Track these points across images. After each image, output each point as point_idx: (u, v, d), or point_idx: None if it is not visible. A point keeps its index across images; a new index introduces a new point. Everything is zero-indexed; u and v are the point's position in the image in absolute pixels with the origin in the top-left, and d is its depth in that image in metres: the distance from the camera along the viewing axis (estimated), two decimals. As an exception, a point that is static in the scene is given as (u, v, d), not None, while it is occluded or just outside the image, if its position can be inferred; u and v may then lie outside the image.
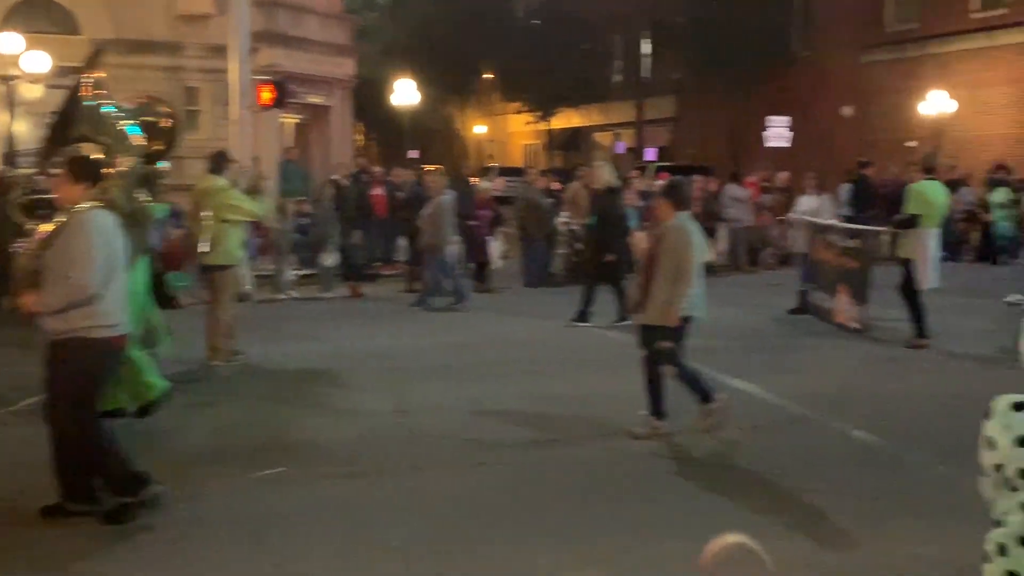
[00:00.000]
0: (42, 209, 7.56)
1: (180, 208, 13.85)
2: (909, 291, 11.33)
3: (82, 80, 8.22)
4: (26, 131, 21.01)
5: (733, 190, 19.98)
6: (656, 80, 42.02)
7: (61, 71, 19.23)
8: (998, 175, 21.46)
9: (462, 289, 14.97)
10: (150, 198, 8.42)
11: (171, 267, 13.76)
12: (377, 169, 20.84)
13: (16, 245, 8.39)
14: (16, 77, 21.97)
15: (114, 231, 6.05)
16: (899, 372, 10.30)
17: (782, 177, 20.68)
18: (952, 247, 20.20)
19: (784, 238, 18.26)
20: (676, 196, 8.00)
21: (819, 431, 8.14)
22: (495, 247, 17.86)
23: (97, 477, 6.06)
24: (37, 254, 5.99)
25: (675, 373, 7.88)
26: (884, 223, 13.46)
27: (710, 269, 18.46)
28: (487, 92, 50.12)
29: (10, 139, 20.97)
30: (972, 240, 21.57)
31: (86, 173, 6.09)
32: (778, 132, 28.56)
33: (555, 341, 12.17)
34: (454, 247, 14.92)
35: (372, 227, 18.20)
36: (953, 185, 21.07)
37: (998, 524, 3.04)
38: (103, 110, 8.15)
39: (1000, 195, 20.66)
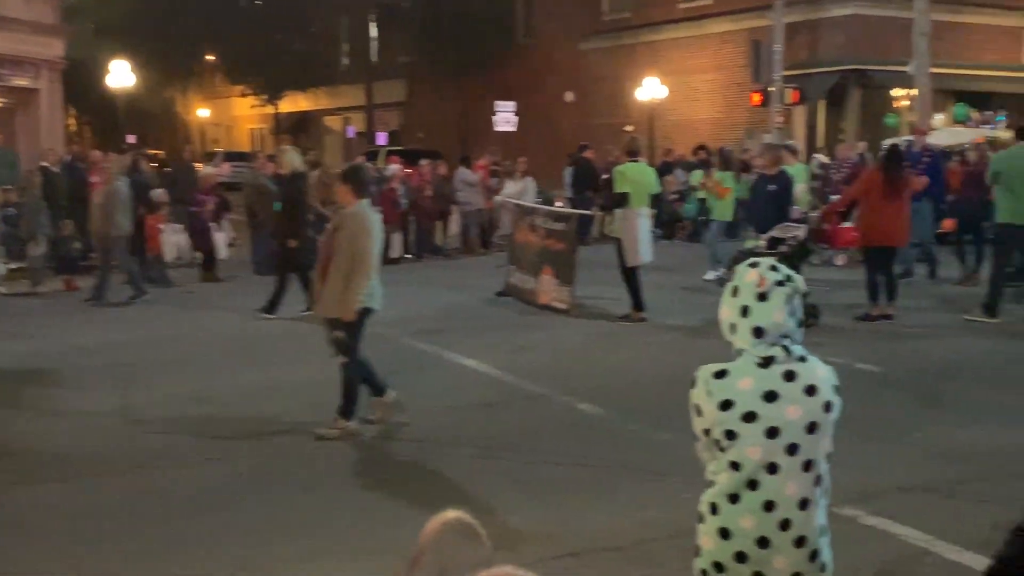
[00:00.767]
0: None
1: None
2: (622, 268, 11.83)
3: None
4: None
5: (464, 174, 20.25)
6: (385, 64, 41.97)
7: None
8: (697, 157, 22.61)
9: (138, 281, 14.23)
10: None
11: None
12: (97, 153, 19.65)
13: None
14: None
15: None
16: (617, 346, 10.75)
17: (521, 163, 21.14)
18: (666, 226, 21.32)
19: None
20: (356, 181, 7.56)
21: (547, 406, 8.39)
22: (222, 235, 17.28)
23: None
24: None
25: (345, 364, 7.51)
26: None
27: (440, 251, 19.02)
28: (210, 75, 48.44)
29: None
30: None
31: None
32: (506, 117, 29.17)
33: (236, 334, 11.78)
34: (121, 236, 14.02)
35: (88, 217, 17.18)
36: (667, 167, 22.26)
37: (711, 484, 3.22)
38: None
39: (696, 177, 21.60)
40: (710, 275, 14.73)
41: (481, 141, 30.43)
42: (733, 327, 3.17)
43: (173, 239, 17.47)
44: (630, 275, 11.82)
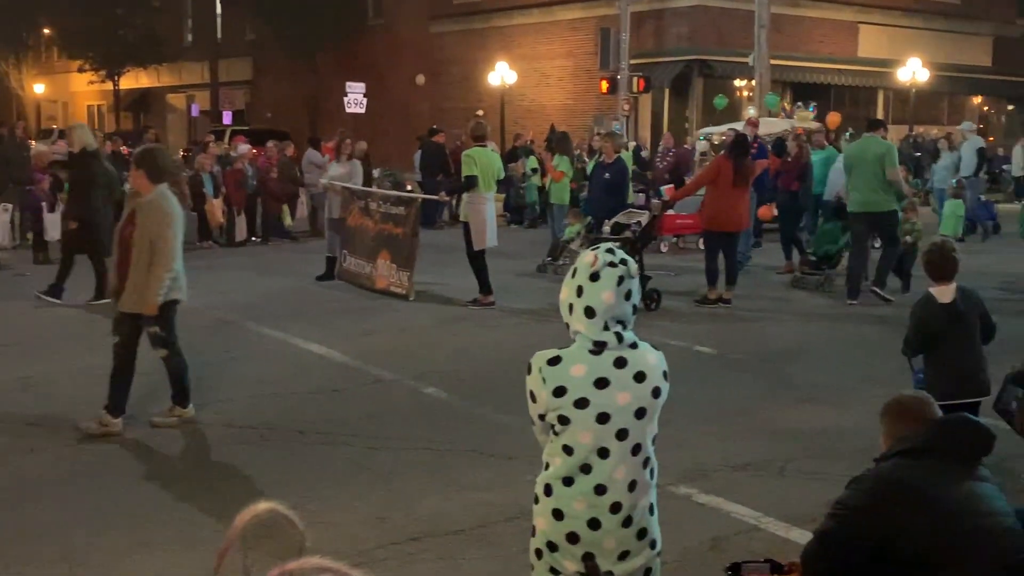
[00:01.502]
0: None
1: None
2: (468, 252, 11.83)
3: None
4: None
5: (312, 156, 19.90)
6: (231, 41, 40.92)
7: None
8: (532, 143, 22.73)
9: None
10: None
11: None
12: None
13: None
14: None
15: None
16: (464, 330, 10.76)
17: (360, 147, 20.86)
18: (517, 211, 21.47)
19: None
20: (151, 166, 7.02)
21: (393, 391, 8.35)
22: (54, 215, 16.55)
23: None
24: None
25: (166, 357, 7.21)
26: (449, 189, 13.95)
27: (288, 234, 18.67)
28: (46, 48, 46.31)
29: None
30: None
31: None
32: (356, 98, 28.85)
33: (65, 316, 11.35)
34: None
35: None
36: (518, 152, 22.39)
37: (547, 467, 3.26)
38: None
39: (532, 163, 21.63)
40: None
41: (331, 122, 30.01)
42: (570, 308, 3.23)
43: (3, 218, 16.67)
44: (477, 259, 11.85)
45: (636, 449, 3.18)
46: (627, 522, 3.18)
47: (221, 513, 5.53)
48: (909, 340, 6.14)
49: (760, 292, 12.93)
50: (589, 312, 3.18)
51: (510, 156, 21.82)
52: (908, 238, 12.82)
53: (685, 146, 21.19)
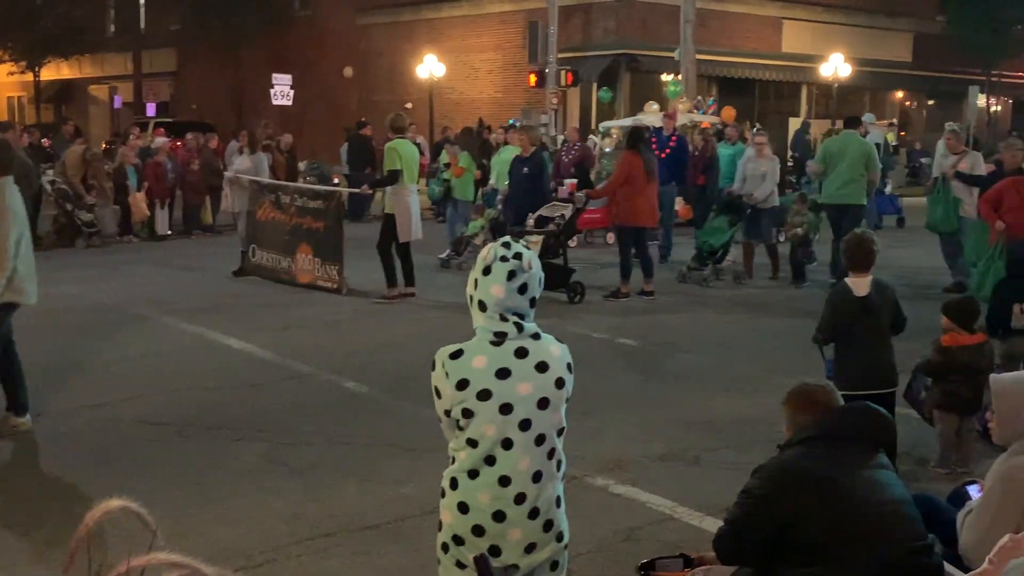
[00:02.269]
0: None
1: None
2: (384, 246, 11.69)
3: None
4: None
5: (237, 148, 19.64)
6: (154, 32, 40.20)
7: None
8: (482, 136, 22.73)
9: None
10: None
11: None
12: None
13: None
14: None
15: None
16: (385, 324, 10.70)
17: (286, 140, 20.67)
18: (443, 204, 21.31)
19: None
20: None
21: (312, 385, 8.28)
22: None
23: None
24: None
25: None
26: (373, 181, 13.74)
27: (210, 228, 18.41)
28: (-38, 37, 45.04)
29: None
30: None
31: None
32: (283, 90, 28.52)
33: None
34: None
35: None
36: (441, 145, 22.29)
37: (453, 461, 3.25)
38: None
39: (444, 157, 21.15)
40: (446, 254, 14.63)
41: (258, 114, 29.66)
42: (471, 299, 3.24)
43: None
44: (402, 251, 11.79)
45: (540, 440, 3.18)
46: (533, 514, 3.19)
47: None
48: (822, 327, 6.23)
49: (681, 285, 13.03)
50: (482, 305, 3.19)
51: (438, 149, 21.74)
52: (799, 230, 13.00)
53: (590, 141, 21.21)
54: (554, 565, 3.30)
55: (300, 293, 12.26)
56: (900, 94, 35.55)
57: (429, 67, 30.27)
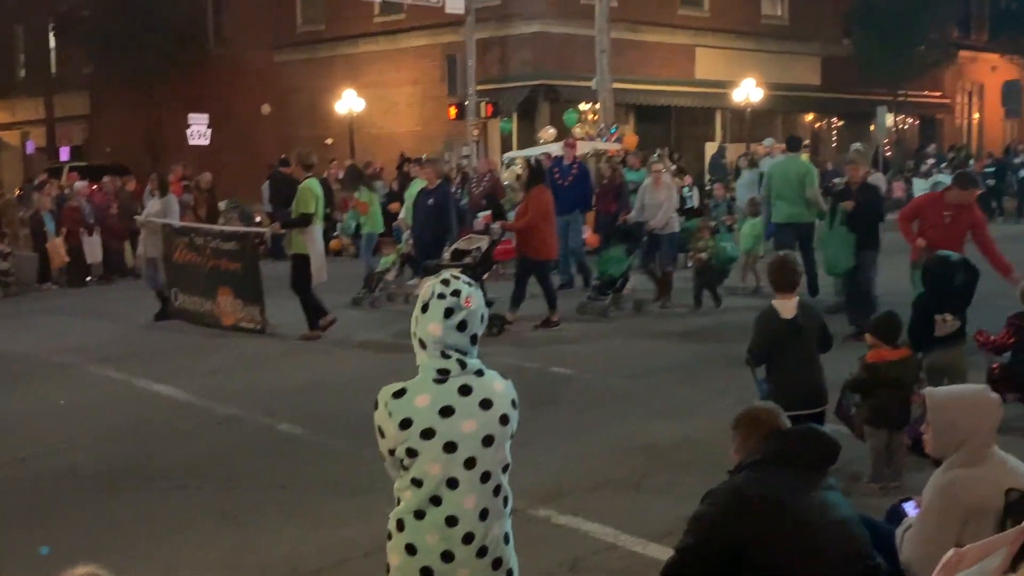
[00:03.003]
0: None
1: None
2: (302, 286, 11.50)
3: None
4: None
5: (155, 190, 19.36)
6: (66, 75, 39.50)
7: None
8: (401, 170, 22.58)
9: None
10: None
11: None
12: None
13: None
14: None
15: None
16: (313, 363, 10.57)
17: (204, 179, 20.42)
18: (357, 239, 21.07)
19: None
20: None
21: (245, 429, 8.15)
22: None
23: None
24: None
25: None
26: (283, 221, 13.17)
27: (131, 271, 18.05)
28: None
29: None
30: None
31: None
32: (199, 129, 28.21)
33: None
34: None
35: None
36: (370, 178, 22.24)
37: (398, 502, 3.22)
38: None
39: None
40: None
41: (174, 155, 29.26)
42: (413, 336, 3.22)
43: None
44: (306, 293, 11.51)
45: (485, 477, 3.17)
46: (481, 552, 3.17)
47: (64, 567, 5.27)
48: (753, 349, 6.33)
49: (610, 311, 13.07)
50: (421, 343, 3.18)
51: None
52: (703, 255, 13.09)
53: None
54: (504, 602, 3.28)
55: (224, 336, 12.05)
56: (811, 116, 36.35)
57: (348, 102, 30.19)
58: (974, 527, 3.50)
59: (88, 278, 17.69)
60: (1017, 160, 28.31)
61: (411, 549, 3.16)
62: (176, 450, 7.57)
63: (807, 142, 33.30)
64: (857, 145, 13.85)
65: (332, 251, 17.74)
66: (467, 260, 11.60)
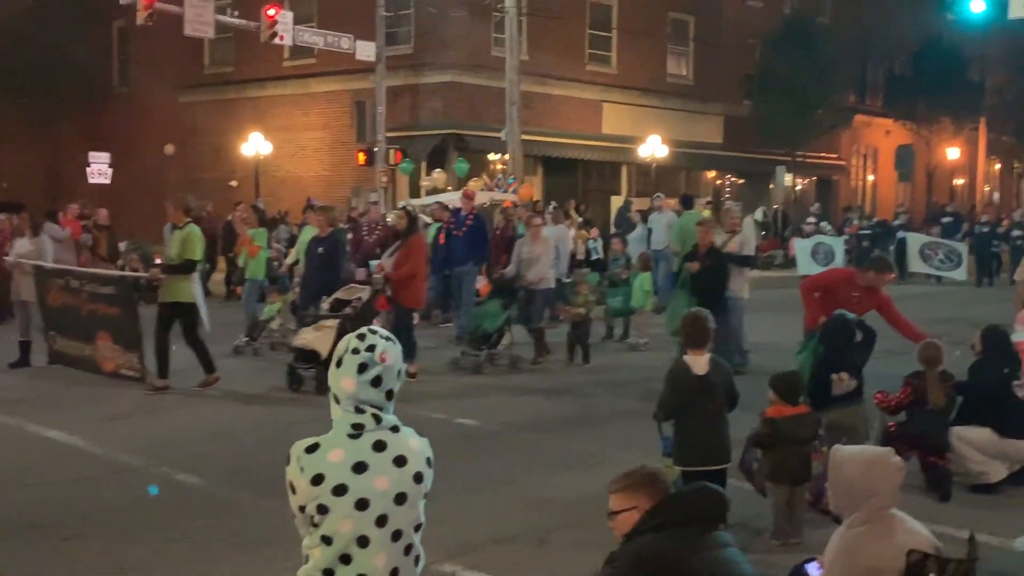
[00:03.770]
0: None
1: None
2: (194, 334, 11.09)
3: None
4: None
5: (50, 229, 18.84)
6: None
7: None
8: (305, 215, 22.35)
9: None
10: None
11: None
12: None
13: None
14: None
15: None
16: (213, 412, 10.34)
17: (101, 214, 20.00)
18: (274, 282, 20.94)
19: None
20: None
21: (143, 478, 7.93)
22: None
23: None
24: None
25: None
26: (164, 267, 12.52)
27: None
28: None
29: None
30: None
31: None
32: (100, 168, 27.65)
33: None
34: None
35: None
36: (273, 223, 22.08)
37: (307, 560, 3.17)
38: None
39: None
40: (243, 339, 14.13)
41: (74, 193, 28.59)
42: (330, 390, 3.19)
43: None
44: (195, 340, 11.15)
45: (397, 535, 3.14)
46: (392, 611, 3.13)
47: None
48: (663, 405, 6.40)
49: (503, 363, 12.89)
50: (335, 398, 3.15)
51: (269, 227, 21.43)
52: (582, 310, 12.99)
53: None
54: (416, 664, 3.24)
55: (119, 382, 11.64)
56: (712, 174, 37.23)
57: (255, 145, 29.94)
58: (875, 587, 3.58)
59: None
60: (896, 223, 29.42)
61: (320, 608, 3.10)
62: (70, 500, 7.33)
63: (709, 198, 34.14)
64: (729, 205, 14.17)
65: (238, 296, 17.38)
66: (347, 311, 11.29)
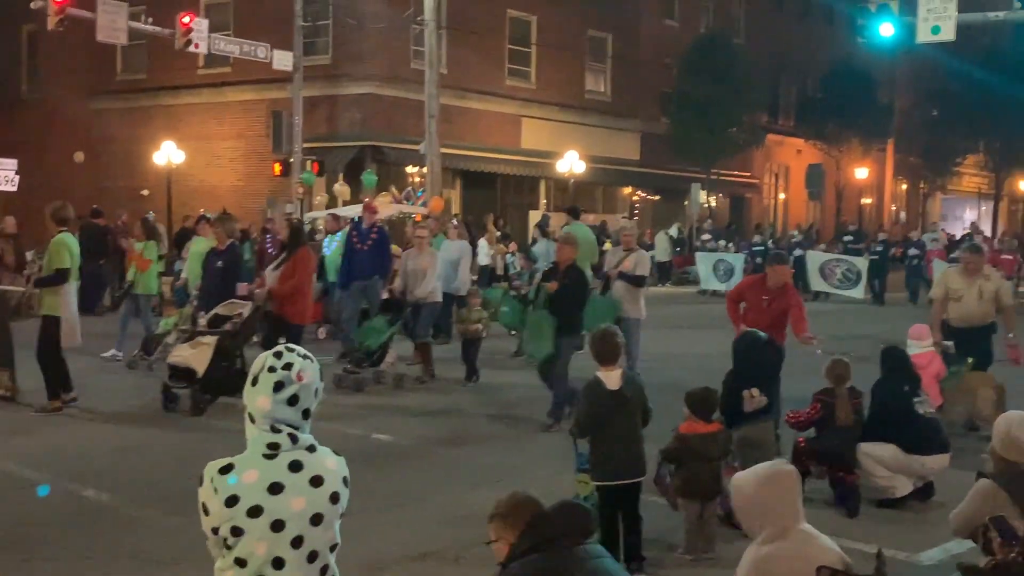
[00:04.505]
0: None
1: None
2: (49, 352, 10.51)
3: None
4: None
5: (-50, 238, 18.28)
6: None
7: None
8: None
9: None
10: None
11: None
12: None
13: None
14: None
15: None
16: (127, 431, 10.05)
17: (9, 223, 19.45)
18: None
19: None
20: None
21: (50, 494, 7.72)
22: None
23: None
24: None
25: None
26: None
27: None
28: None
29: None
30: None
31: None
32: (6, 175, 26.91)
33: None
34: None
35: None
36: (185, 234, 21.66)
37: (220, 581, 3.11)
38: None
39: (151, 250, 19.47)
40: (110, 352, 13.79)
41: (-23, 200, 27.77)
42: (244, 409, 3.14)
43: None
44: (54, 356, 10.55)
45: (312, 557, 3.10)
46: (307, 634, 3.09)
47: None
48: (580, 421, 6.44)
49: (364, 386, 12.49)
50: (251, 417, 3.11)
51: (181, 238, 21.09)
52: (479, 326, 12.66)
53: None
54: None
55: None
56: (629, 189, 37.66)
57: (167, 153, 29.41)
58: (785, 603, 3.64)
59: None
60: (794, 240, 30.10)
61: (233, 632, 3.05)
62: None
63: (626, 214, 34.52)
64: (625, 222, 14.06)
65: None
66: (227, 327, 10.92)
